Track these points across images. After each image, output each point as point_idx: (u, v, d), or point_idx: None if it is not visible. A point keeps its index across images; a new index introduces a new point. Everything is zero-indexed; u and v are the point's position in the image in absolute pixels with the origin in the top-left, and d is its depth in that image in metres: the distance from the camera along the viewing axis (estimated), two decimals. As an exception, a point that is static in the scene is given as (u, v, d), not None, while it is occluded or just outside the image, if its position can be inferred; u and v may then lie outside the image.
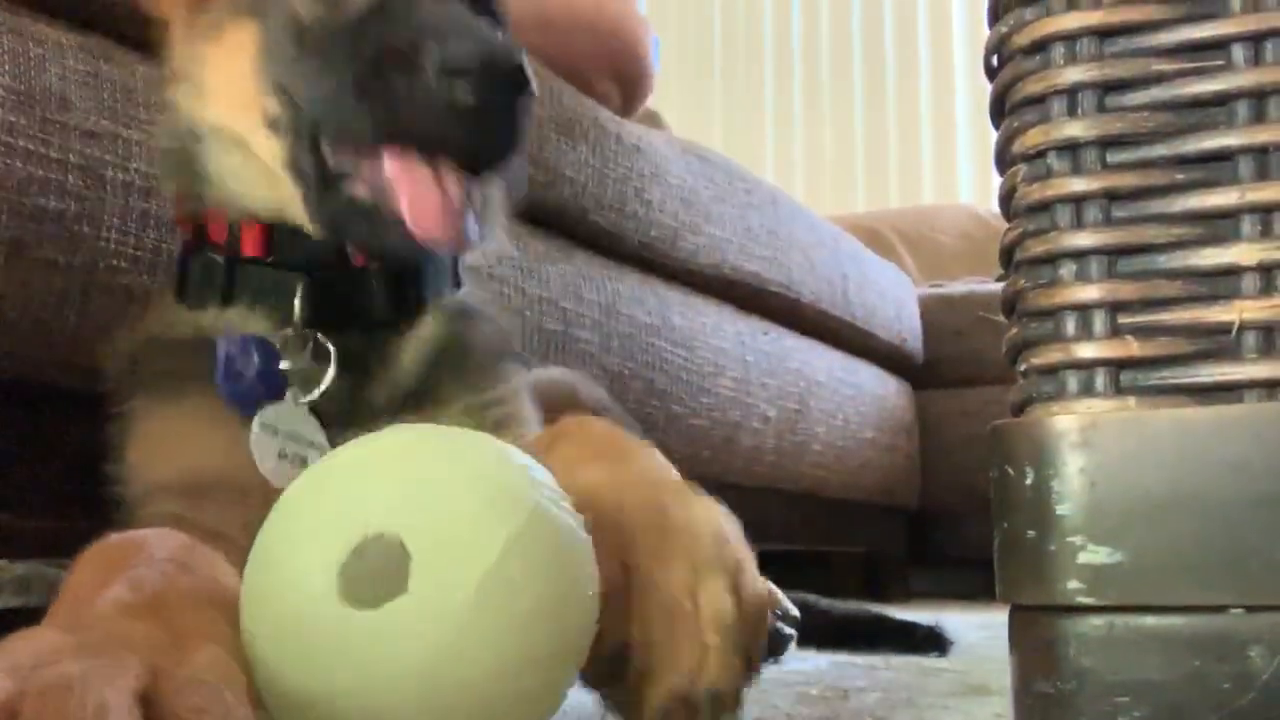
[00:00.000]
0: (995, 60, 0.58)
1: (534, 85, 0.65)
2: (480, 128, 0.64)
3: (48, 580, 1.66)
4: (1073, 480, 0.50)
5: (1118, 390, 0.51)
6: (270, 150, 0.69)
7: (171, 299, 0.73)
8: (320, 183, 0.66)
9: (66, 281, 0.84)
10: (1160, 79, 0.52)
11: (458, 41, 0.63)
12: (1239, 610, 0.47)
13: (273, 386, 0.67)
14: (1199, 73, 0.51)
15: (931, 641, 1.22)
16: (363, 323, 0.70)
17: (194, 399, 0.68)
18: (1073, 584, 0.50)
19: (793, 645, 1.14)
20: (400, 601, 0.43)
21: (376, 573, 0.44)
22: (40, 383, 0.89)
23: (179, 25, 0.74)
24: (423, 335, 0.72)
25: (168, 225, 0.90)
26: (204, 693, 0.41)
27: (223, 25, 0.71)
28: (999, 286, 0.58)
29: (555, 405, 1.25)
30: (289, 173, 0.68)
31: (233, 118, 0.71)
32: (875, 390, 2.28)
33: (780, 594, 1.18)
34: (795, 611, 1.16)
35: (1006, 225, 0.57)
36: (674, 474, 0.60)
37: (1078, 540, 0.50)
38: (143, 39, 0.91)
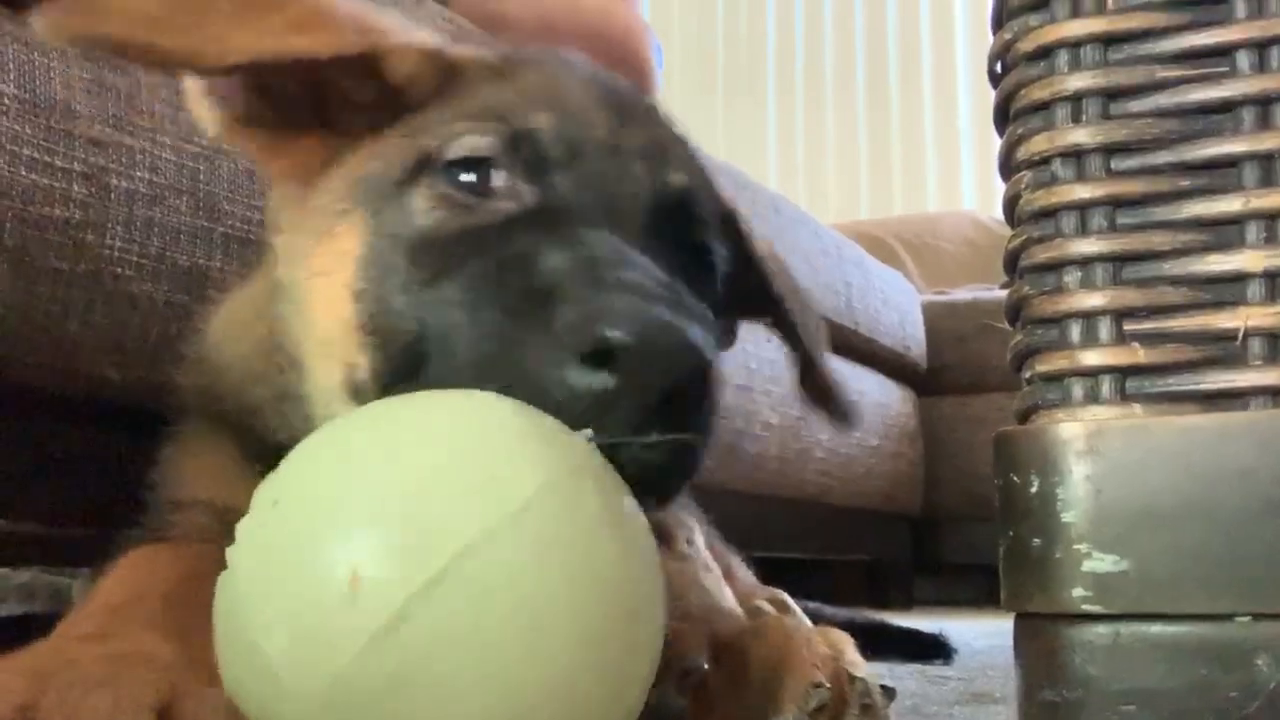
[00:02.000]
0: (999, 67, 0.58)
1: (711, 369, 0.50)
2: (633, 434, 0.48)
3: (52, 588, 1.66)
4: (1078, 488, 0.50)
5: (1123, 397, 0.51)
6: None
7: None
8: None
9: (70, 289, 0.84)
10: (1165, 86, 0.52)
11: (608, 299, 0.48)
12: (1245, 618, 0.47)
13: None
14: (1204, 79, 0.51)
15: (935, 649, 1.22)
16: None
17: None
18: (1078, 592, 0.49)
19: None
20: None
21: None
22: (44, 391, 0.89)
23: (288, 197, 0.66)
24: None
25: (171, 233, 0.90)
26: (222, 715, 0.41)
27: (332, 224, 0.61)
28: (1003, 294, 0.58)
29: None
30: None
31: (317, 359, 0.60)
32: (879, 398, 2.27)
33: (792, 603, 1.17)
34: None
35: (1011, 232, 0.57)
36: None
37: (1083, 548, 0.49)
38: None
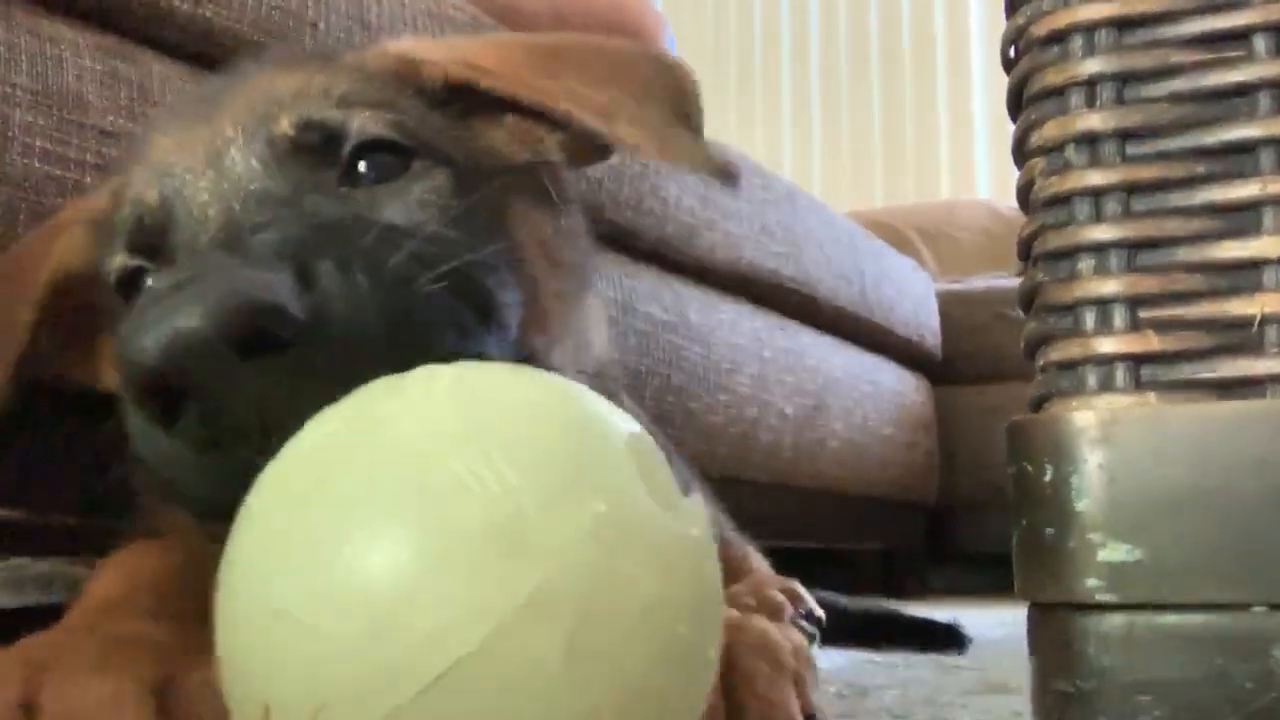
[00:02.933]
0: (1013, 52, 0.57)
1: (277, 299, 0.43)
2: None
3: (69, 578, 1.67)
4: (1092, 477, 0.50)
5: (1138, 385, 0.50)
6: None
7: None
8: None
9: (84, 280, 0.84)
10: (1180, 70, 0.51)
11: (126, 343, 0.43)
12: (1261, 608, 0.47)
13: None
14: (1219, 64, 0.50)
15: (950, 639, 1.22)
16: None
17: None
18: (1092, 581, 0.49)
19: (815, 645, 1.14)
20: None
21: None
22: (60, 382, 0.89)
23: None
24: None
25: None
26: (216, 700, 0.41)
27: None
28: (1018, 282, 0.57)
29: None
30: None
31: None
32: (893, 386, 2.27)
33: (805, 593, 1.17)
34: (820, 613, 1.15)
35: (1025, 219, 0.56)
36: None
37: (1097, 537, 0.49)
38: (159, 38, 0.92)
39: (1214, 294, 0.50)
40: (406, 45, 0.67)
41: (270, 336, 0.42)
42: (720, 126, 3.84)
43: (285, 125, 0.57)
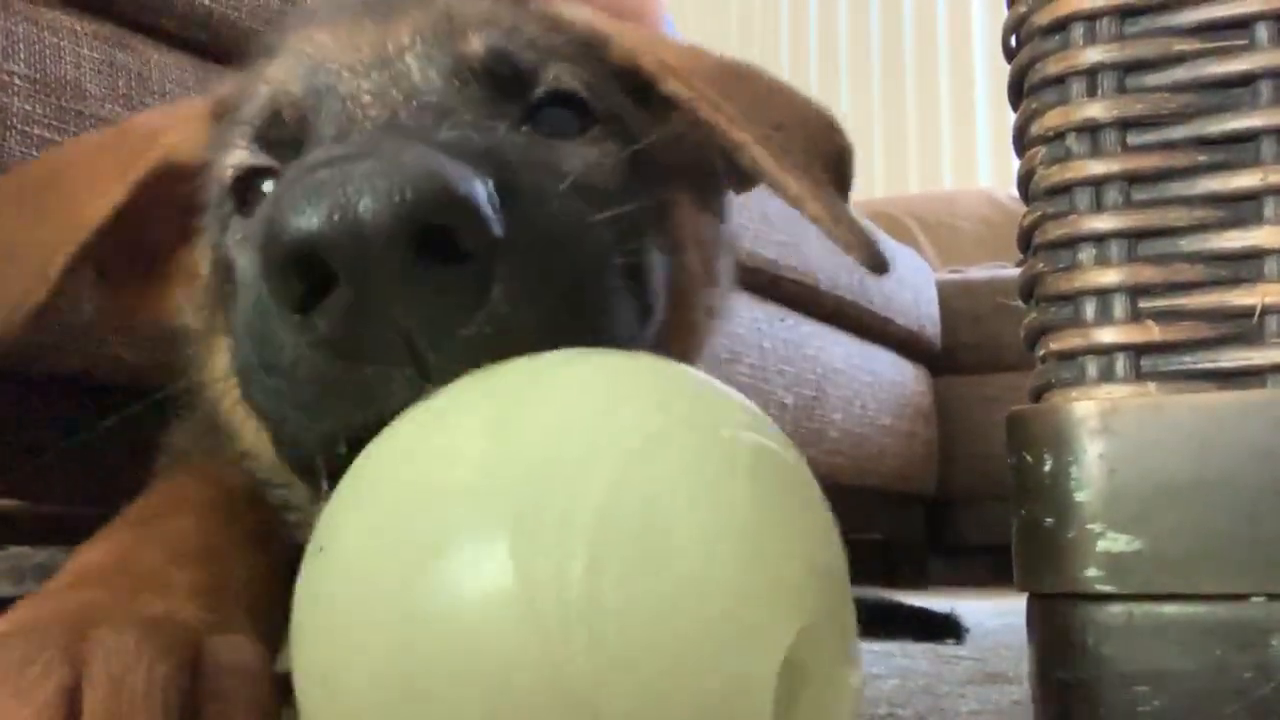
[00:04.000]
0: (1014, 40, 0.57)
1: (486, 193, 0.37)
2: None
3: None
4: (1092, 467, 0.50)
5: (1138, 375, 0.50)
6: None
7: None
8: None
9: (83, 270, 0.84)
10: (1181, 59, 0.51)
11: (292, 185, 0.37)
12: (1260, 598, 0.47)
13: None
14: (1221, 53, 0.50)
15: (948, 628, 1.22)
16: None
17: None
18: (1092, 572, 0.49)
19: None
20: None
21: None
22: (61, 373, 0.89)
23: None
24: None
25: (183, 213, 0.90)
26: (246, 679, 0.41)
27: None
28: (1018, 272, 0.57)
29: None
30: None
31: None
32: (893, 376, 2.27)
33: None
34: None
35: (1026, 209, 0.56)
36: None
37: (1097, 527, 0.49)
38: (157, 27, 0.91)
39: (1214, 284, 0.50)
40: (593, 16, 0.63)
41: (455, 242, 0.36)
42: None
43: (476, 45, 0.51)
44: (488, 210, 0.36)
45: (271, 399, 0.42)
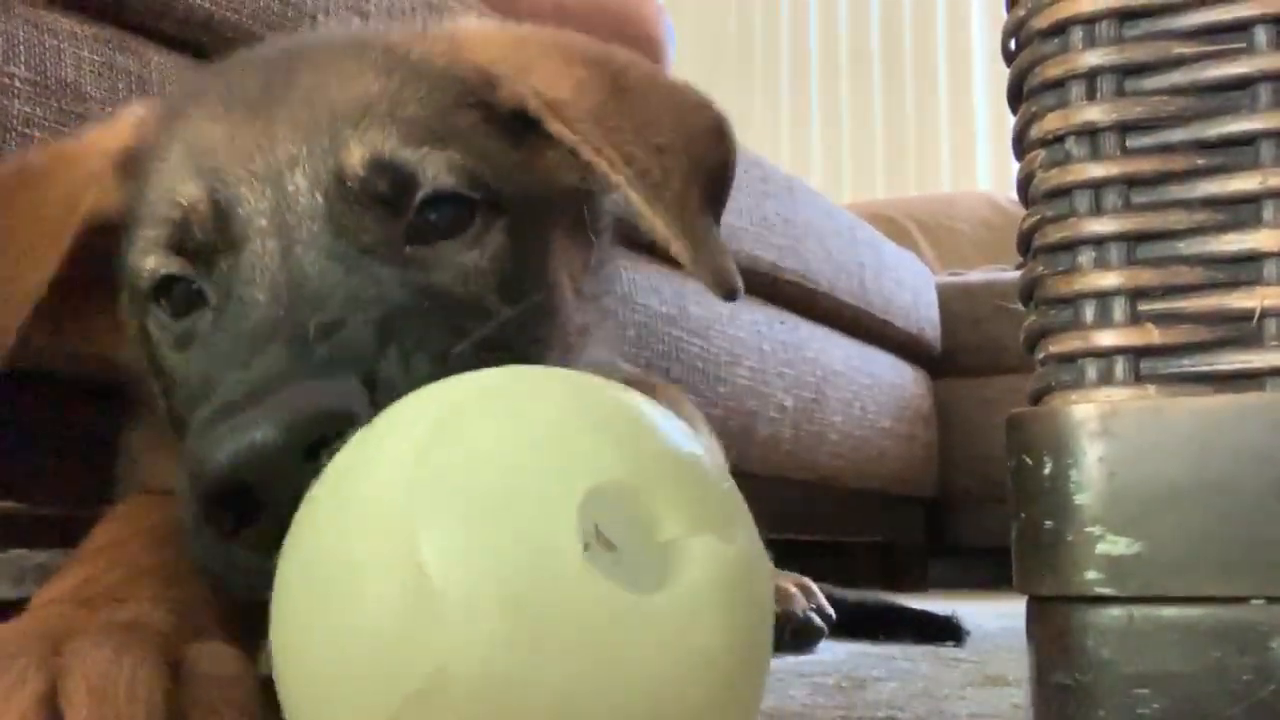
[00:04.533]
0: (1013, 44, 0.57)
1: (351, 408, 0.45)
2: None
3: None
4: (1091, 469, 0.50)
5: (1137, 378, 0.50)
6: None
7: None
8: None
9: (83, 272, 0.84)
10: (1180, 62, 0.51)
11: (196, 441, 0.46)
12: (1260, 601, 0.47)
13: None
14: (1220, 56, 0.50)
15: (947, 631, 1.22)
16: None
17: None
18: (1091, 574, 0.49)
19: (823, 639, 1.14)
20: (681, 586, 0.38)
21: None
22: (59, 374, 0.89)
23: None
24: None
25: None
26: (223, 684, 0.41)
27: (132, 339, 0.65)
28: (1018, 275, 0.57)
29: None
30: None
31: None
32: (893, 379, 2.27)
33: (816, 589, 1.18)
34: (831, 611, 1.16)
35: (1025, 212, 0.56)
36: None
37: (1096, 530, 0.49)
38: (157, 30, 0.91)
39: (1214, 287, 0.50)
40: (478, 44, 0.65)
41: (336, 438, 0.44)
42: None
43: (356, 162, 0.56)
44: (360, 413, 0.44)
45: (210, 573, 0.50)
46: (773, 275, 1.85)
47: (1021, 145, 0.56)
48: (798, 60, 4.36)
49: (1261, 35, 0.50)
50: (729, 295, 0.62)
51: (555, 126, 0.61)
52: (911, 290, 2.35)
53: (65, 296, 0.65)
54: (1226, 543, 0.47)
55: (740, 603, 0.40)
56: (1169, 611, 0.48)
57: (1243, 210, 0.50)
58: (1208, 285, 0.50)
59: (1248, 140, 0.50)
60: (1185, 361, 0.50)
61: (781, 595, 1.14)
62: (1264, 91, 0.50)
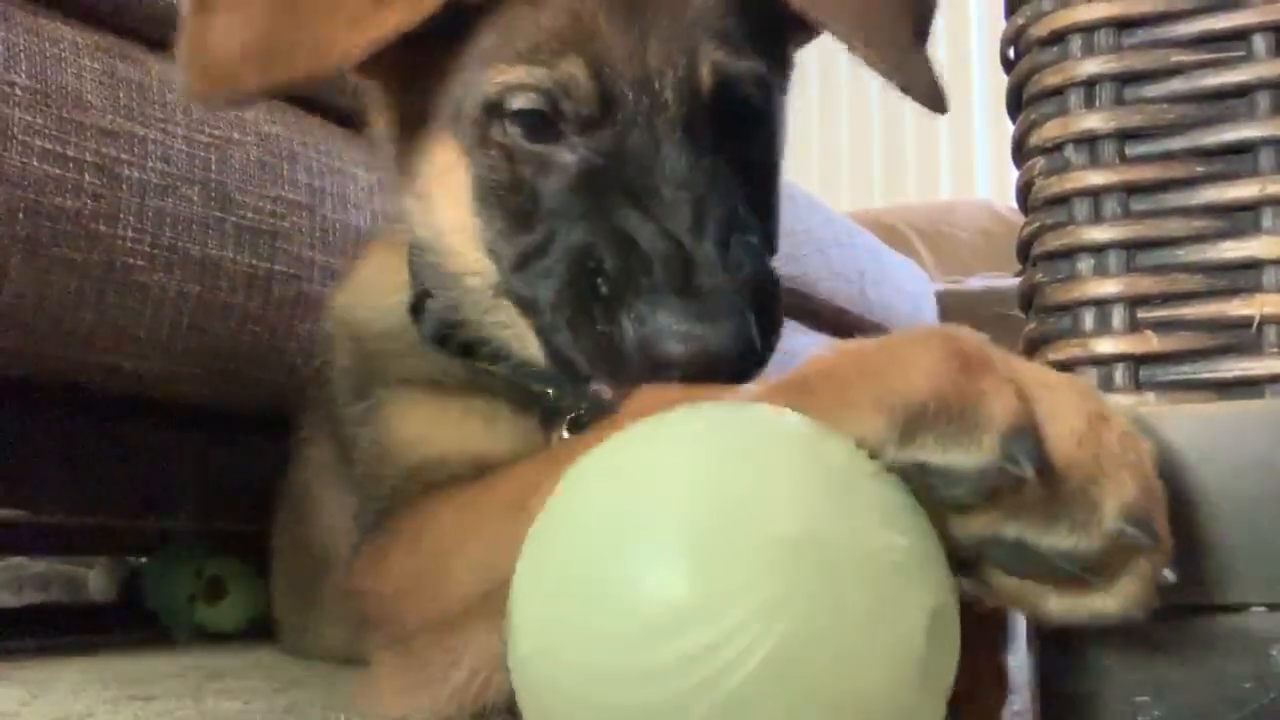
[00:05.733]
0: (1012, 52, 0.57)
1: (761, 362, 0.61)
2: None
3: (67, 577, 1.67)
4: (1091, 477, 0.49)
5: (1137, 386, 0.50)
6: (505, 316, 0.71)
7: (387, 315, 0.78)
8: (565, 375, 0.67)
9: (83, 280, 0.84)
10: (1179, 70, 0.51)
11: (665, 324, 0.58)
12: (1260, 609, 0.47)
13: None
14: (1219, 64, 0.50)
15: None
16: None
17: (459, 397, 0.74)
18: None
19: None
20: None
21: None
22: (58, 382, 0.89)
23: (385, 113, 0.75)
24: None
25: (183, 223, 0.90)
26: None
27: (432, 149, 0.71)
28: (1017, 282, 0.57)
29: None
30: (538, 349, 0.69)
31: (464, 267, 0.72)
32: (892, 387, 2.27)
33: None
34: None
35: (1024, 219, 0.56)
36: None
37: (1096, 537, 0.49)
38: (158, 37, 0.92)
39: (1213, 294, 0.50)
40: None
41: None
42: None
43: (706, 80, 0.67)
44: (763, 357, 0.61)
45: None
46: (772, 283, 1.85)
47: (1021, 153, 0.56)
48: (797, 69, 4.37)
49: (1260, 43, 0.50)
50: (940, 109, 0.71)
51: (811, 15, 0.69)
52: (911, 298, 2.36)
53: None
54: (1227, 550, 0.47)
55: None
56: (1169, 619, 0.48)
57: (1242, 218, 0.50)
58: (1207, 293, 0.50)
59: (1246, 148, 0.50)
60: (1185, 369, 0.50)
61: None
62: (1262, 99, 0.50)
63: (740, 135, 0.69)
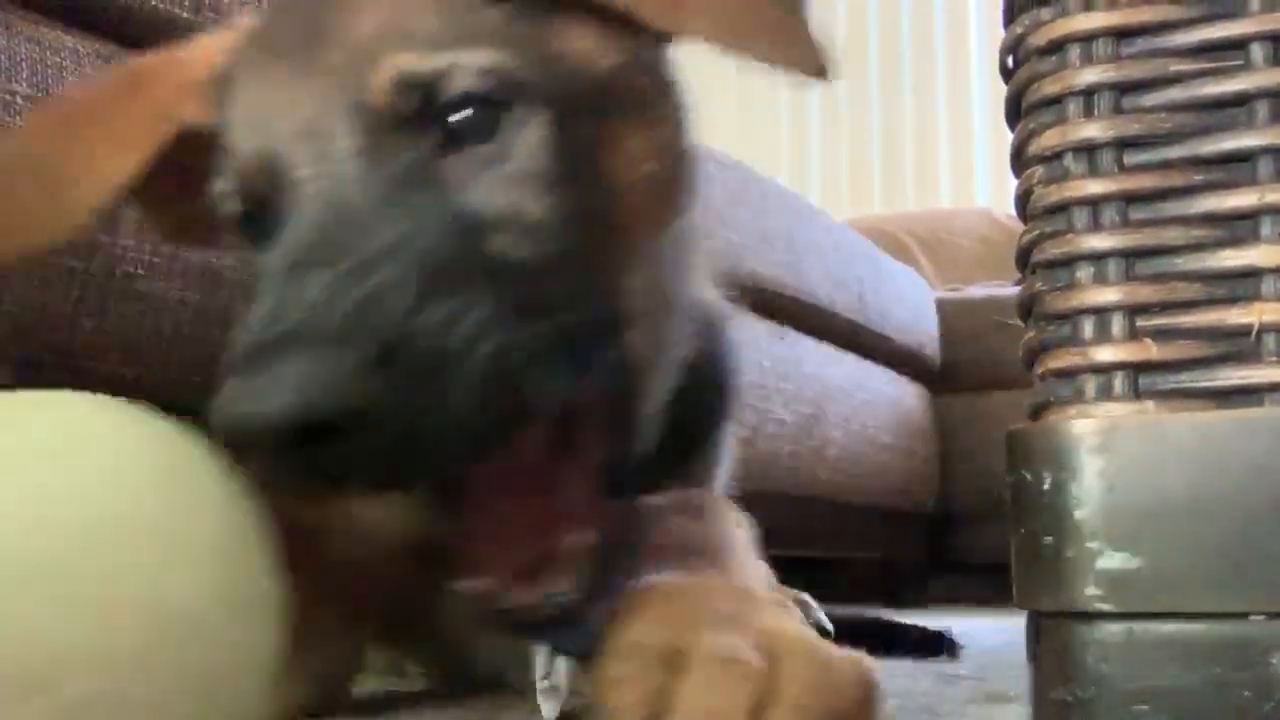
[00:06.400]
0: (1011, 61, 0.57)
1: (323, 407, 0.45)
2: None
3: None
4: (1091, 485, 0.50)
5: (1136, 394, 0.50)
6: None
7: None
8: None
9: (84, 289, 0.84)
10: (1178, 79, 0.51)
11: (220, 398, 0.47)
12: (1260, 617, 0.47)
13: None
14: (1217, 73, 0.51)
15: (941, 646, 1.21)
16: None
17: None
18: (1091, 590, 0.49)
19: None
20: None
21: None
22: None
23: None
24: None
25: (184, 231, 0.90)
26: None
27: None
28: (1016, 290, 0.57)
29: None
30: None
31: None
32: (892, 394, 2.27)
33: (815, 605, 1.18)
34: (829, 625, 1.16)
35: (1023, 227, 0.56)
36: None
37: (1096, 546, 0.49)
38: (160, 46, 0.92)
39: (1212, 303, 0.50)
40: None
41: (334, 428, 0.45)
42: (719, 132, 3.84)
43: (379, 88, 0.54)
44: (351, 408, 0.45)
45: None
46: (772, 291, 1.85)
47: (1020, 161, 0.56)
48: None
49: (1258, 52, 0.50)
50: (822, 76, 0.56)
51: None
52: (911, 305, 2.36)
53: (164, 193, 0.66)
54: (1226, 558, 0.47)
55: None
56: (1169, 627, 0.48)
57: (1241, 226, 0.50)
58: (1206, 301, 0.50)
59: (1245, 156, 0.50)
60: (1184, 377, 0.50)
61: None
62: (1261, 108, 0.50)
63: (462, 151, 0.55)
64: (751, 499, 1.95)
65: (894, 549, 2.42)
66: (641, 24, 0.57)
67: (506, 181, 0.54)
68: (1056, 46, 0.53)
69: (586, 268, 0.56)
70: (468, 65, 0.54)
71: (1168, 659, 0.48)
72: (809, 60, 0.56)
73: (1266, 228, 0.49)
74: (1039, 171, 0.54)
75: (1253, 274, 0.49)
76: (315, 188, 0.54)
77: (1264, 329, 0.49)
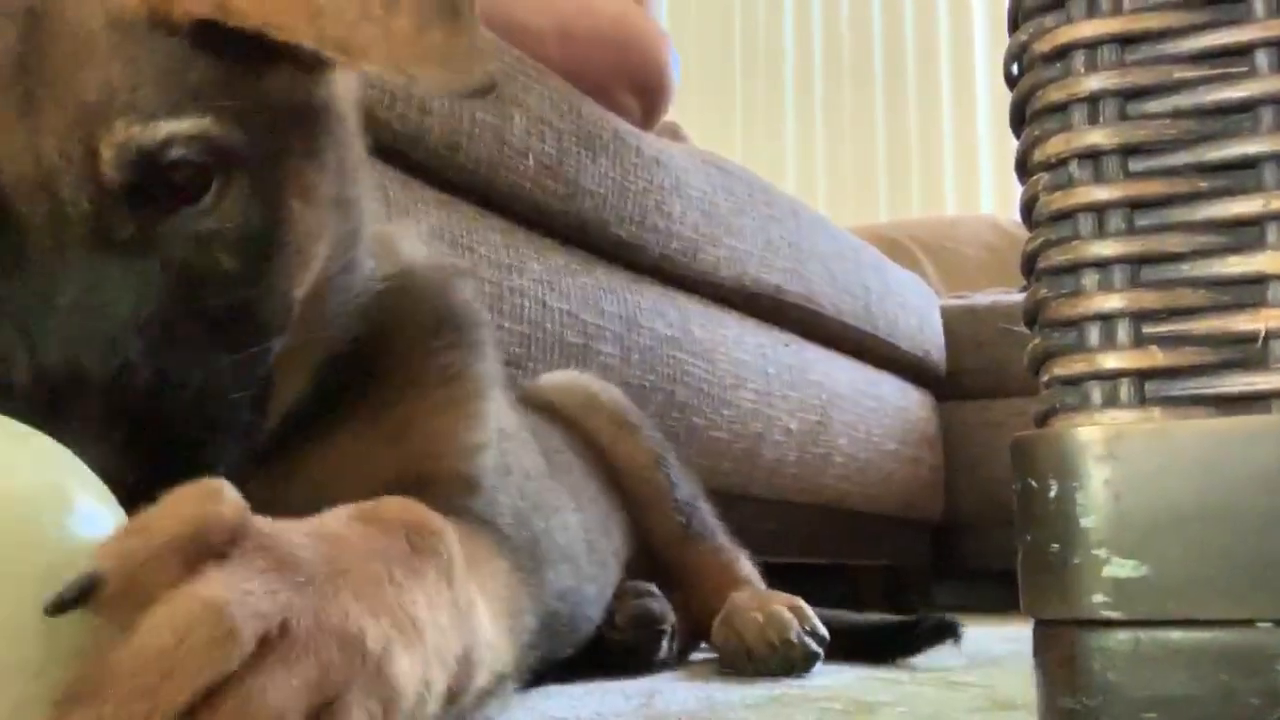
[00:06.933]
0: (1016, 68, 0.57)
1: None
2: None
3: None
4: (1097, 492, 0.49)
5: (1142, 401, 0.50)
6: None
7: None
8: None
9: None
10: (1182, 86, 0.51)
11: None
12: (1267, 624, 0.47)
13: None
14: (1222, 79, 0.51)
15: (942, 630, 1.21)
16: None
17: None
18: (1097, 598, 0.49)
19: (819, 662, 1.14)
20: None
21: None
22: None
23: None
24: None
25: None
26: None
27: None
28: (1022, 297, 0.57)
29: (572, 412, 1.25)
30: None
31: None
32: (898, 402, 2.27)
33: (810, 611, 1.17)
34: (824, 631, 1.15)
35: (1028, 235, 0.56)
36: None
37: (1102, 553, 0.49)
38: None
39: (1218, 309, 0.50)
40: None
41: None
42: (724, 141, 3.85)
43: (109, 163, 0.57)
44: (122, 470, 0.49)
45: None
46: (777, 298, 1.85)
47: (1025, 169, 0.56)
48: (802, 83, 4.38)
49: (1263, 59, 0.50)
50: (483, 90, 0.59)
51: (232, 20, 0.58)
52: (916, 313, 2.36)
53: None
54: (1233, 565, 0.47)
55: None
56: (1176, 635, 0.48)
57: (1246, 233, 0.50)
58: (1212, 308, 0.50)
59: (1250, 163, 0.50)
60: (1190, 384, 0.50)
61: (776, 620, 1.13)
62: (1266, 114, 0.50)
63: (176, 212, 0.58)
64: (758, 506, 1.96)
65: (900, 556, 2.41)
66: (327, 62, 0.61)
67: (212, 238, 0.59)
68: (1061, 53, 0.53)
69: (273, 294, 0.62)
70: (182, 134, 0.58)
71: (1175, 667, 0.48)
72: (477, 79, 0.59)
73: (1272, 234, 0.49)
74: (1044, 178, 0.54)
75: (1259, 280, 0.49)
76: (50, 242, 0.57)
77: (1270, 335, 0.49)
